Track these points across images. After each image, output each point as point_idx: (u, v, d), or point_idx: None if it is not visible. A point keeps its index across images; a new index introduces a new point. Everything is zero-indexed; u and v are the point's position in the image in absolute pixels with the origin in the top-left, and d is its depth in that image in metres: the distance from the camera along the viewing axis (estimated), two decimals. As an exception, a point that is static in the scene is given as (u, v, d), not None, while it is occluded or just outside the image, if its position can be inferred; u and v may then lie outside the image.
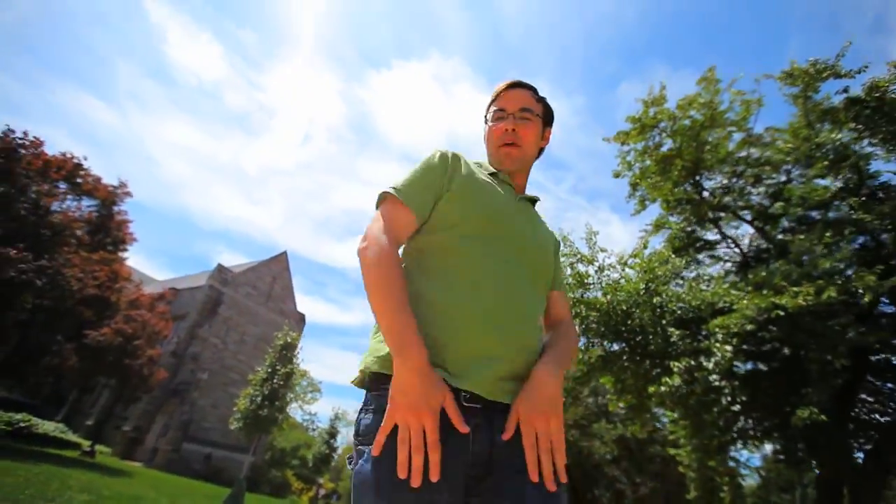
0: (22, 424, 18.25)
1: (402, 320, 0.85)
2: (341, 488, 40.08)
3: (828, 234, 6.09)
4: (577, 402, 21.40)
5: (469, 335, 0.90)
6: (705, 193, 9.18)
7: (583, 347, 8.23)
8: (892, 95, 6.54)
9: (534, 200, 1.25)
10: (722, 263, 9.03)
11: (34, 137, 16.20)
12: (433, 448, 0.78)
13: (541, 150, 1.30)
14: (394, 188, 1.03)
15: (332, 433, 27.03)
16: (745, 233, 10.02)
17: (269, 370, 12.56)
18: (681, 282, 8.69)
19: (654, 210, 12.29)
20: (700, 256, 9.07)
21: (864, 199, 8.10)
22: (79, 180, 17.37)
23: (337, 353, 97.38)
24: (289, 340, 12.88)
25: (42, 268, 12.13)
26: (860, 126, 6.83)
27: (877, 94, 6.84)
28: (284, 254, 38.63)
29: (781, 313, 5.15)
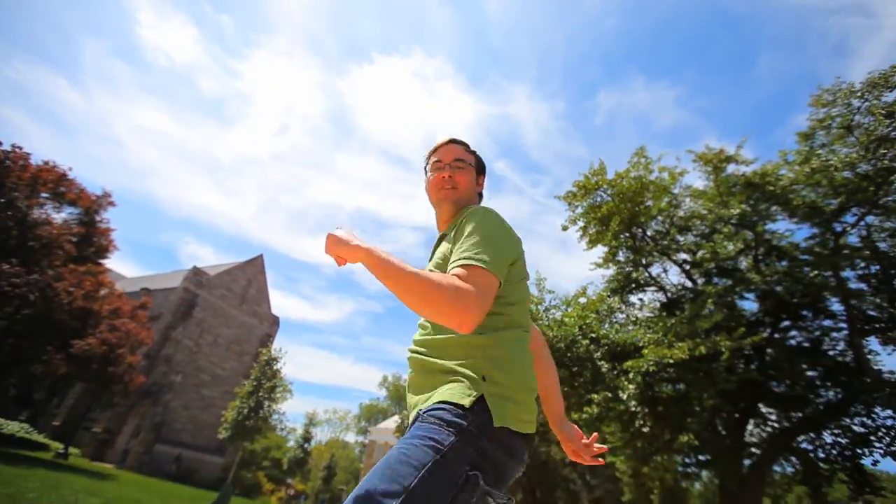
0: None
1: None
2: (309, 489, 40.89)
3: (710, 301, 7.78)
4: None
5: None
6: (640, 242, 10.89)
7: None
8: (771, 187, 8.37)
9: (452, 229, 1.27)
10: (650, 301, 10.78)
11: (19, 148, 16.60)
12: None
13: (480, 195, 1.48)
14: None
15: (307, 437, 27.85)
16: (676, 272, 11.85)
17: (255, 383, 13.57)
18: (618, 316, 10.38)
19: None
20: (632, 298, 10.78)
21: (761, 257, 9.99)
22: (63, 189, 17.81)
23: (309, 350, 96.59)
24: (273, 355, 13.93)
25: (34, 282, 12.77)
26: (749, 207, 8.62)
27: (767, 180, 8.65)
28: (260, 257, 39.03)
29: (671, 361, 6.77)
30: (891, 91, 8.03)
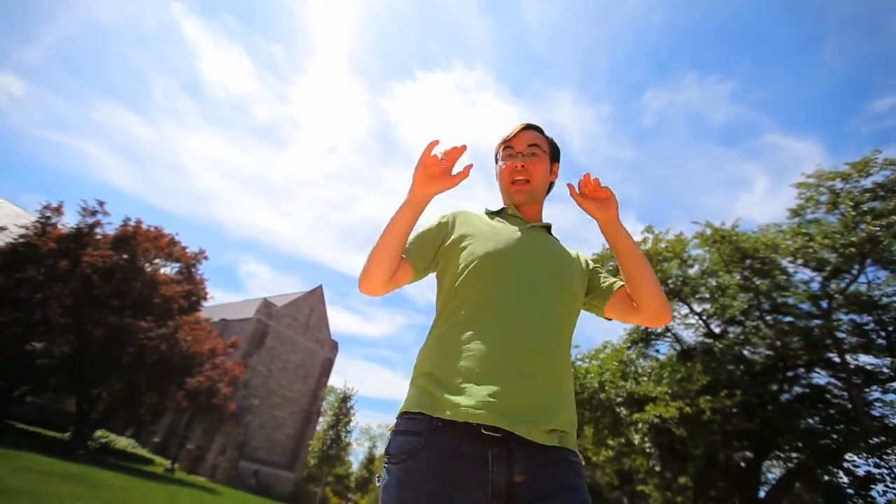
0: (102, 441, 22.45)
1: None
2: (364, 502, 43.74)
3: (698, 367, 9.34)
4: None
5: (473, 372, 0.96)
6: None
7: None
8: (759, 264, 9.82)
9: (547, 227, 1.32)
10: (668, 351, 12.32)
11: (138, 220, 20.58)
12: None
13: (551, 185, 1.40)
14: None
15: (371, 458, 30.52)
16: (695, 323, 13.23)
17: (333, 419, 16.27)
18: (640, 363, 12.03)
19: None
20: (648, 351, 12.37)
21: (766, 314, 11.27)
22: (169, 251, 21.71)
23: (361, 363, 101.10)
24: (347, 393, 16.57)
25: (163, 334, 16.20)
26: (744, 277, 10.10)
27: (759, 255, 10.13)
28: (320, 287, 42.85)
29: (666, 416, 8.42)
30: (867, 177, 9.32)
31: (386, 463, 0.95)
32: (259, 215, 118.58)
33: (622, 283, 1.25)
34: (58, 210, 18.20)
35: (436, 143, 1.09)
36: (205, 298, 22.43)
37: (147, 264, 18.97)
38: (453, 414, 0.91)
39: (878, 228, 8.27)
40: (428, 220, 1.28)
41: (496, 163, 1.39)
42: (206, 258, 23.18)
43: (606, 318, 1.29)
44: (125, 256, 17.99)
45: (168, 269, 21.80)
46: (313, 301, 41.67)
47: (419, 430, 0.93)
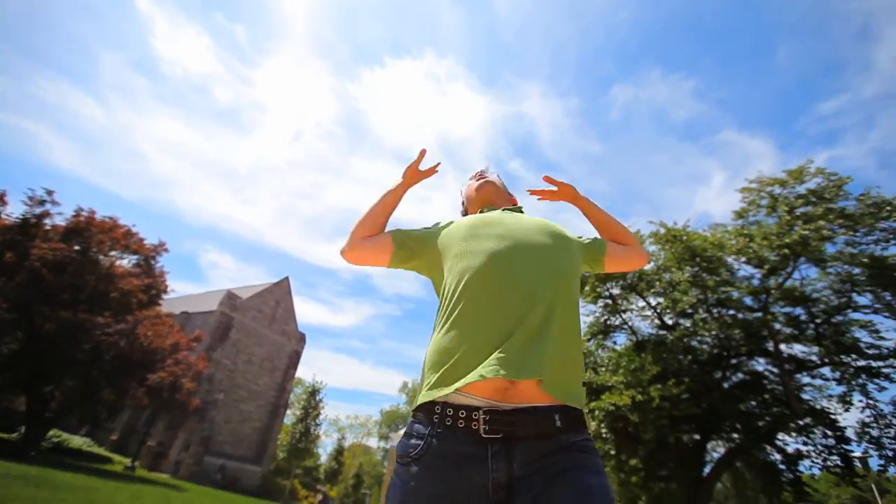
0: (55, 440, 21.52)
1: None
2: (334, 493, 43.91)
3: (649, 358, 10.09)
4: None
5: (473, 348, 0.97)
6: (615, 291, 13.22)
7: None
8: (706, 263, 10.63)
9: (520, 209, 1.48)
10: (624, 342, 13.11)
11: (91, 210, 19.61)
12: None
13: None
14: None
15: (340, 449, 30.57)
16: (650, 315, 14.10)
17: (302, 412, 16.29)
18: (594, 358, 12.74)
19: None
20: (607, 343, 13.13)
21: (712, 307, 12.19)
22: (126, 242, 20.81)
23: (327, 354, 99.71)
24: (316, 386, 16.61)
25: (122, 330, 15.66)
26: (694, 274, 10.90)
27: (706, 254, 10.94)
28: (287, 279, 42.05)
29: (620, 404, 9.10)
30: (801, 184, 10.21)
31: (396, 463, 1.00)
32: (221, 202, 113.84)
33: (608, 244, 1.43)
34: (1, 199, 17.13)
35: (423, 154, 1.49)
36: (165, 292, 21.67)
37: (102, 257, 18.15)
38: (458, 386, 0.94)
39: (808, 231, 9.16)
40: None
41: (462, 196, 1.67)
42: (165, 250, 22.34)
43: (604, 273, 1.59)
44: (77, 248, 17.15)
45: (125, 262, 20.93)
46: (279, 292, 40.90)
47: (422, 434, 0.97)
